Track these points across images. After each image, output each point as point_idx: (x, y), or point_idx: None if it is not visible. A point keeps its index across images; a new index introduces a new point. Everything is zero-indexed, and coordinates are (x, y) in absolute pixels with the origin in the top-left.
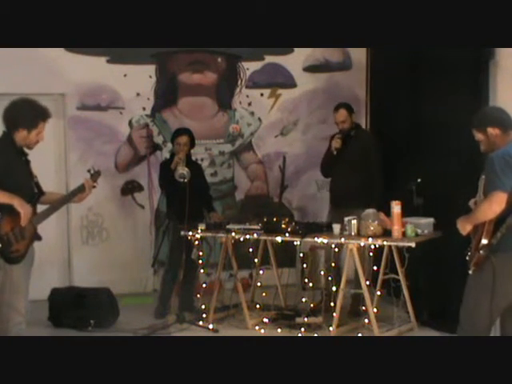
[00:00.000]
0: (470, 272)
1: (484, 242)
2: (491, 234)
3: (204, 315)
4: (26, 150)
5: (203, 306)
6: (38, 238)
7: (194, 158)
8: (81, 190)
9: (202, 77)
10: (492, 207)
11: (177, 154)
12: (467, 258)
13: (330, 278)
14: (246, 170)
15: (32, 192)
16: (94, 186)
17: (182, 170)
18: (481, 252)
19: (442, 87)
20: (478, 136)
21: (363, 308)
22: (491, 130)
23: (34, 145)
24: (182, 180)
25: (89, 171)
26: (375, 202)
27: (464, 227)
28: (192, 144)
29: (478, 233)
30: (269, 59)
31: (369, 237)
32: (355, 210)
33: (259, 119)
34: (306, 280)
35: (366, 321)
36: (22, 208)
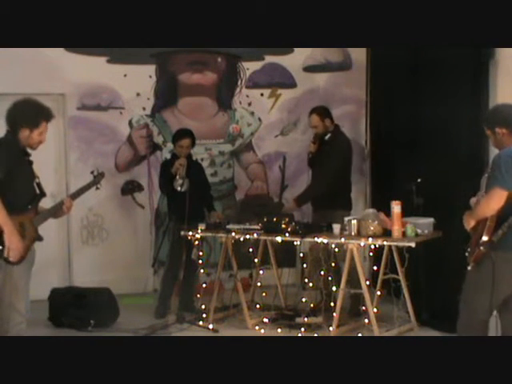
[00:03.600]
0: (469, 268)
1: (484, 238)
2: (492, 231)
3: (204, 315)
4: (29, 151)
5: (203, 306)
6: (40, 238)
7: (194, 158)
8: (58, 209)
9: (202, 77)
10: (490, 203)
11: (179, 156)
12: (466, 254)
13: (330, 278)
14: (246, 169)
15: (33, 193)
16: (98, 188)
17: (181, 179)
18: (481, 248)
19: (441, 87)
20: (487, 133)
21: (363, 308)
22: (498, 130)
23: (37, 145)
24: (179, 189)
25: (92, 173)
26: (350, 206)
27: (468, 222)
28: (193, 144)
29: (478, 229)
30: (269, 59)
31: (369, 237)
32: (333, 212)
33: (259, 119)
34: (306, 280)
35: (366, 321)
36: (10, 241)
